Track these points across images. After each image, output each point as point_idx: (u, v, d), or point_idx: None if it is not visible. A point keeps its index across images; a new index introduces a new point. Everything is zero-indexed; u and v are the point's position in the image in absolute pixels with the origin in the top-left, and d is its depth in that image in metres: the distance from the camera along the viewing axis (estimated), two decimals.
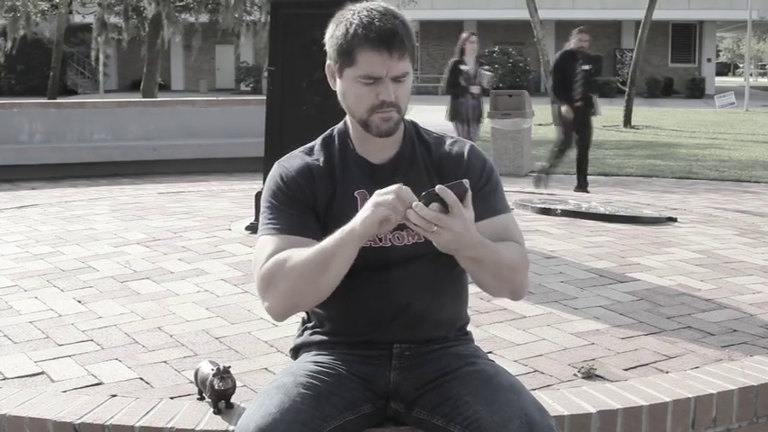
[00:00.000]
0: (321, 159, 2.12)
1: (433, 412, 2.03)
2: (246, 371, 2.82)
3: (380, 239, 2.05)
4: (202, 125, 11.23)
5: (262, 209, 2.10)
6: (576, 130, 9.80)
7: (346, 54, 1.99)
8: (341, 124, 2.17)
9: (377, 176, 2.07)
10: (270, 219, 2.06)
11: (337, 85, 2.07)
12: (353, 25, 1.98)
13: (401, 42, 1.98)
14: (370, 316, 2.09)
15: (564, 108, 9.54)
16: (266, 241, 2.03)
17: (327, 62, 2.07)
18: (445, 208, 1.81)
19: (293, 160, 2.13)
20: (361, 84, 2.00)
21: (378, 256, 2.04)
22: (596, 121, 9.50)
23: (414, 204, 1.82)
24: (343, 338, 2.13)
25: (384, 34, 1.96)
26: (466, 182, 1.85)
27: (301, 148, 2.17)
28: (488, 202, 2.09)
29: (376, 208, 1.85)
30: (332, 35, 2.03)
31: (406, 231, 2.05)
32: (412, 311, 2.10)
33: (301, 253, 1.95)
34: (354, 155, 2.11)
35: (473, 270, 2.00)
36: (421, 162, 2.12)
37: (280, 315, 2.06)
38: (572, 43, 9.78)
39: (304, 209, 2.06)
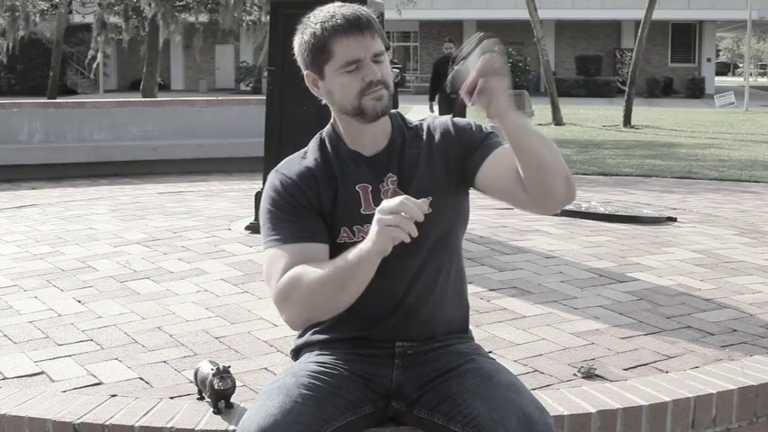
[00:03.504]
0: (319, 160, 2.12)
1: (433, 411, 2.03)
2: (246, 371, 2.82)
3: None
4: (202, 125, 11.21)
5: (262, 219, 2.09)
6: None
7: (321, 51, 2.02)
8: (327, 127, 2.17)
9: (374, 167, 2.09)
10: (274, 229, 2.05)
11: (321, 90, 2.08)
12: (319, 23, 2.02)
13: (369, 22, 2.02)
14: (370, 313, 2.09)
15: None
16: (275, 254, 2.02)
17: (305, 72, 2.08)
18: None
19: (292, 166, 2.12)
20: (344, 73, 2.02)
21: None
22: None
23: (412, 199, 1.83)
24: (345, 336, 2.13)
25: (351, 18, 2.01)
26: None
27: (295, 154, 2.17)
28: (490, 142, 2.09)
29: (383, 229, 1.82)
30: (300, 42, 2.06)
31: None
32: (412, 309, 2.10)
33: (316, 270, 1.93)
34: (348, 151, 2.12)
35: (528, 146, 1.91)
36: (413, 146, 2.14)
37: (298, 326, 2.10)
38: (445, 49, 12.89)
39: (309, 214, 2.05)
